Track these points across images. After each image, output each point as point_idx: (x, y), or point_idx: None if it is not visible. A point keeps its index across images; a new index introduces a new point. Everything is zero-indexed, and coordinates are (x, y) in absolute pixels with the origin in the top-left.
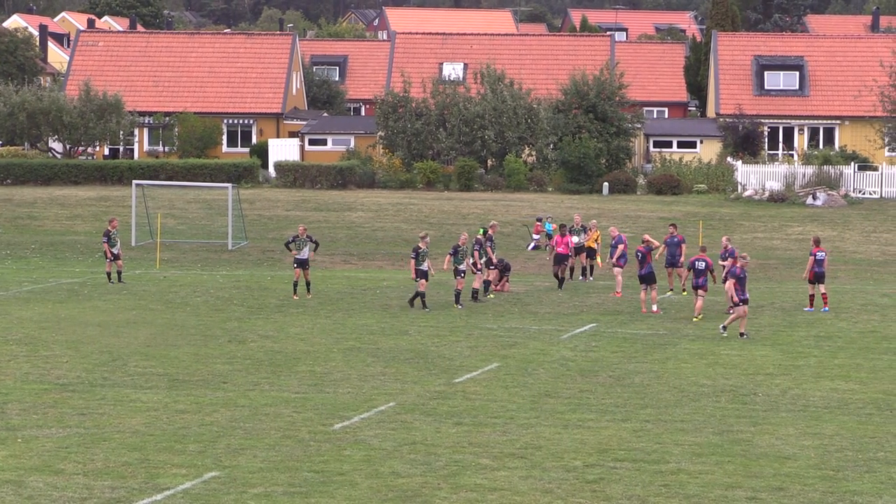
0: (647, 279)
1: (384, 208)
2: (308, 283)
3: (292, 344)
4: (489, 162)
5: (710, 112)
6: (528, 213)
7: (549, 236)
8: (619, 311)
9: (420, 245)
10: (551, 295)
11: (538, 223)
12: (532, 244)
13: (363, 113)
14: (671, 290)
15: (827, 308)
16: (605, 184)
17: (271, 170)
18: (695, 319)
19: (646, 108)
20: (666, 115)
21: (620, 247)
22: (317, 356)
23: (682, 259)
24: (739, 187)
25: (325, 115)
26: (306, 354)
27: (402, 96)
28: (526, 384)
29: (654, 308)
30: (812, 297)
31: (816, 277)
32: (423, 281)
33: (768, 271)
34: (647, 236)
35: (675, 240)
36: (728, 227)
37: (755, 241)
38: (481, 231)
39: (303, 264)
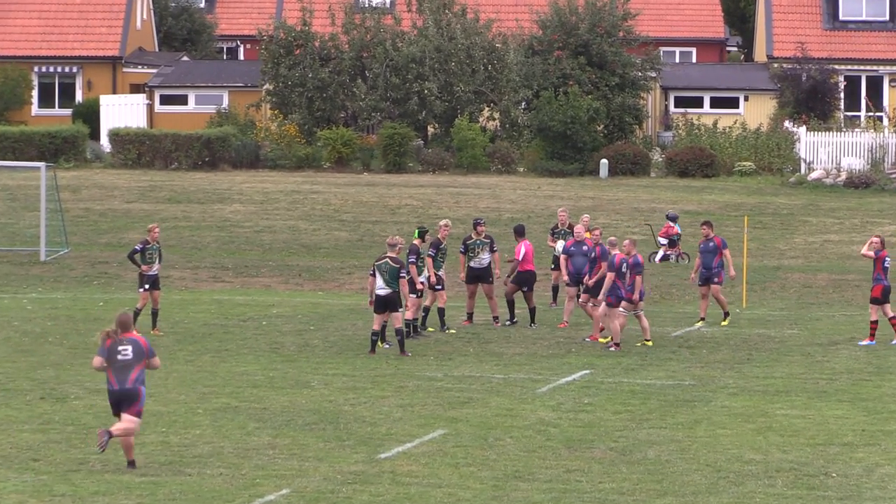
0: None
1: (273, 199)
2: (155, 313)
3: None
4: (430, 129)
5: (759, 55)
6: (487, 204)
7: (675, 241)
8: (625, 352)
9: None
10: (522, 329)
11: (669, 223)
12: (660, 254)
13: (241, 56)
14: (702, 319)
15: None
16: (604, 161)
17: (104, 141)
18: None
19: (664, 49)
20: (693, 59)
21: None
22: (173, 420)
23: (728, 271)
24: (803, 166)
25: (185, 59)
26: (157, 417)
27: (299, 31)
28: (486, 461)
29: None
30: (874, 323)
31: (883, 294)
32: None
33: (846, 291)
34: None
35: (712, 245)
36: (787, 225)
37: (826, 245)
38: (416, 233)
39: (155, 284)
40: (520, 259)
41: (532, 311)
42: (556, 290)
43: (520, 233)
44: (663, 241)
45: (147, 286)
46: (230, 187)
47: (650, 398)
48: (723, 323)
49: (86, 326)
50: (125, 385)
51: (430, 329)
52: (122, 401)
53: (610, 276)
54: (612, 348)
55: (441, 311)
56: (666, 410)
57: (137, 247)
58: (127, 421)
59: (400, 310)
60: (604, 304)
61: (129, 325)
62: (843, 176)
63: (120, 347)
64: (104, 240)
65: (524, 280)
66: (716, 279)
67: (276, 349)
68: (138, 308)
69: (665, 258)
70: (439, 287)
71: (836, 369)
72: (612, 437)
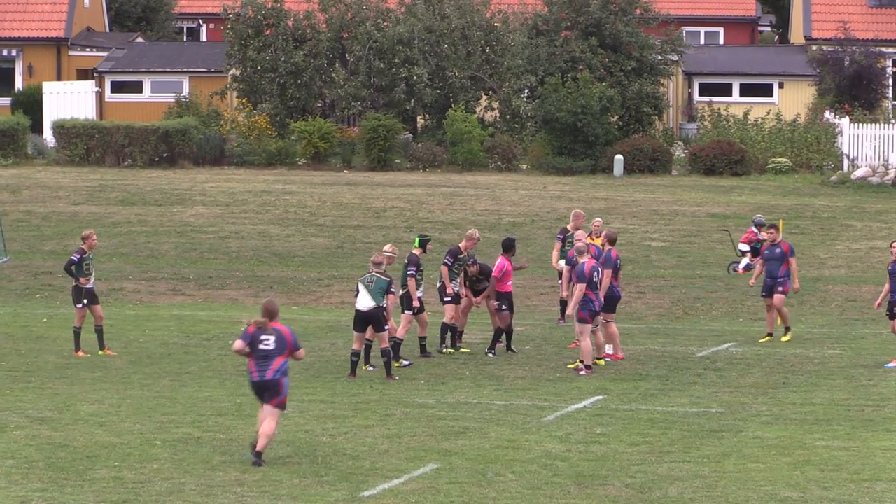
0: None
1: (240, 200)
2: (100, 330)
3: (85, 432)
4: (420, 120)
5: (796, 36)
6: (486, 206)
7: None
8: (643, 375)
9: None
10: (525, 350)
11: (754, 230)
12: (744, 262)
13: (204, 37)
14: (769, 335)
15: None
16: (619, 157)
17: (48, 135)
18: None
19: (687, 29)
20: (721, 41)
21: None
22: (127, 453)
23: (793, 283)
24: (846, 162)
25: (140, 41)
26: (109, 450)
27: (270, 9)
28: (484, 500)
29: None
30: None
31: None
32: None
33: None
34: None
35: (778, 252)
36: (828, 230)
37: (872, 253)
38: (417, 242)
39: (94, 298)
40: (498, 277)
41: (509, 334)
42: (563, 304)
43: (505, 248)
44: (745, 248)
45: (85, 301)
46: (191, 187)
47: (672, 428)
48: (783, 338)
49: (27, 346)
50: (265, 376)
51: (466, 350)
52: (264, 391)
53: (580, 287)
54: (583, 372)
55: (445, 328)
56: (690, 442)
57: (74, 257)
58: (270, 416)
59: (386, 328)
60: (575, 319)
61: (276, 314)
62: (892, 174)
63: (263, 336)
64: (48, 247)
65: (503, 301)
66: (780, 288)
67: (245, 372)
68: (77, 326)
69: (748, 267)
70: (448, 300)
71: (884, 394)
72: (628, 473)
